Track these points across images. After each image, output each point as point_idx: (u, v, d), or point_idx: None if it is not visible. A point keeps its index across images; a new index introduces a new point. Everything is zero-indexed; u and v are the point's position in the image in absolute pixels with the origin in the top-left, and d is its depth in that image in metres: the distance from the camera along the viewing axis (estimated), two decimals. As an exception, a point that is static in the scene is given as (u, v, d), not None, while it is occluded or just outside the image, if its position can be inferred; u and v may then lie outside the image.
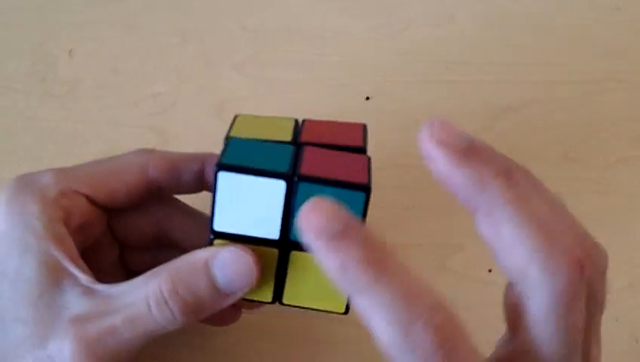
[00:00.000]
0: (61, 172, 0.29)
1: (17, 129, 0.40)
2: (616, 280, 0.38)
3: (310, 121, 0.29)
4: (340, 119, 0.42)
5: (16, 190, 0.28)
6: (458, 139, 0.21)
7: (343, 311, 0.28)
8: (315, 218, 0.20)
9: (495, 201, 0.21)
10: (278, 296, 0.27)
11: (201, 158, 0.30)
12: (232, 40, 0.44)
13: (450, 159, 0.21)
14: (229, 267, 0.25)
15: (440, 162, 0.21)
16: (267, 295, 0.27)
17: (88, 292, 0.26)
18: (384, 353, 0.20)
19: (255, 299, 0.27)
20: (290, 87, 0.43)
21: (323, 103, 0.42)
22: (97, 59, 0.43)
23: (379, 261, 0.20)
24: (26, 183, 0.28)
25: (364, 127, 0.29)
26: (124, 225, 0.32)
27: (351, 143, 0.27)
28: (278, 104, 0.42)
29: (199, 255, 0.26)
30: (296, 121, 0.29)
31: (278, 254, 0.26)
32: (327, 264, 0.21)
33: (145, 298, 0.25)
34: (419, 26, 0.44)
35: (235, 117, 0.29)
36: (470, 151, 0.21)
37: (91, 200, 0.29)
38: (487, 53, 0.44)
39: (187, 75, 0.42)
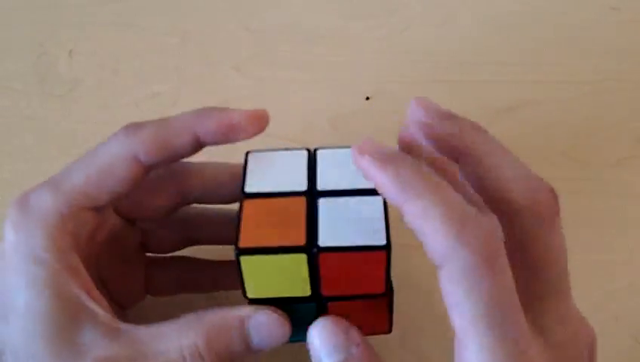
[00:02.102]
0: (56, 189, 0.27)
1: (17, 129, 0.40)
2: (616, 280, 0.38)
3: (325, 261, 0.26)
4: (340, 119, 0.42)
5: (20, 219, 0.27)
6: (380, 149, 0.25)
7: (387, 330, 0.29)
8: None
9: (415, 193, 0.23)
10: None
11: (192, 127, 0.28)
12: (232, 40, 0.44)
13: (374, 164, 0.24)
14: (264, 329, 0.26)
15: (367, 167, 0.24)
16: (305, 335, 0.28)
17: (111, 331, 0.26)
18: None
19: (294, 340, 0.28)
20: (290, 87, 0.42)
21: (323, 103, 0.42)
22: (97, 59, 0.43)
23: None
24: (27, 211, 0.27)
25: (387, 257, 0.26)
26: (137, 212, 0.31)
27: (372, 291, 0.26)
28: (278, 104, 0.42)
29: (235, 313, 0.26)
30: (309, 257, 0.26)
31: (315, 306, 0.27)
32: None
33: (179, 350, 0.25)
34: (419, 26, 0.44)
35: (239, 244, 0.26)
36: (390, 157, 0.24)
37: (94, 208, 0.28)
38: (487, 53, 0.44)
39: (187, 75, 0.42)
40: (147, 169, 0.28)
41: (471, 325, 0.23)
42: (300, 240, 0.25)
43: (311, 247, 0.25)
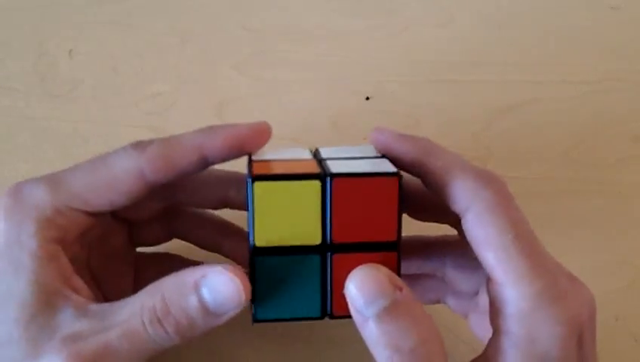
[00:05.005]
0: (55, 185, 0.28)
1: (17, 129, 0.40)
2: (616, 280, 0.38)
3: (338, 188, 0.26)
4: (340, 119, 0.42)
5: (12, 206, 0.27)
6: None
7: None
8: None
9: (431, 147, 0.28)
10: (325, 311, 0.27)
11: (199, 146, 0.28)
12: (232, 40, 0.44)
13: (394, 134, 0.29)
14: (217, 290, 0.25)
15: (388, 138, 0.29)
16: (315, 310, 0.27)
17: (82, 312, 0.26)
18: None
19: (303, 316, 0.27)
20: (290, 87, 0.43)
21: (323, 103, 0.42)
22: (97, 59, 0.43)
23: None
24: (21, 199, 0.27)
25: (399, 186, 0.26)
26: (129, 213, 0.31)
27: (383, 238, 0.26)
28: (278, 104, 0.42)
29: (190, 276, 0.26)
30: (321, 182, 0.26)
31: (320, 263, 0.26)
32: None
33: (139, 315, 0.25)
34: (419, 26, 0.44)
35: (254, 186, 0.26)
36: (404, 133, 0.29)
37: (89, 213, 0.28)
38: (487, 53, 0.44)
39: (187, 75, 0.42)
40: (150, 187, 0.28)
41: (504, 255, 0.25)
42: (313, 169, 0.26)
43: (324, 175, 0.25)
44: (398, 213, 0.26)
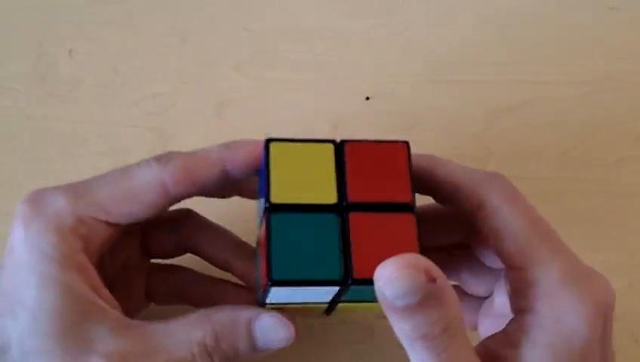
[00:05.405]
0: (74, 194, 0.27)
1: (17, 129, 0.40)
2: (616, 280, 0.38)
3: (351, 151, 0.27)
4: (340, 119, 0.42)
5: (31, 214, 0.27)
6: None
7: None
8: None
9: (436, 157, 0.29)
10: (346, 275, 0.26)
11: (221, 160, 0.28)
12: (232, 40, 0.44)
13: None
14: (269, 331, 0.27)
15: None
16: (335, 273, 0.26)
17: (120, 327, 0.26)
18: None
19: (323, 279, 0.26)
20: (290, 87, 0.43)
21: (323, 103, 0.42)
22: (97, 59, 0.43)
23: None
24: (39, 209, 0.27)
25: (407, 152, 0.27)
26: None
27: (398, 199, 0.26)
28: (279, 104, 0.42)
29: (243, 313, 0.27)
30: (335, 147, 0.27)
31: (337, 221, 0.26)
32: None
33: (188, 346, 0.26)
34: (419, 26, 0.45)
35: (268, 145, 0.27)
36: None
37: (109, 223, 0.28)
38: (487, 53, 0.44)
39: (187, 75, 0.42)
40: (171, 200, 0.28)
41: (524, 240, 0.26)
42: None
43: (336, 141, 0.27)
44: (410, 177, 0.27)
